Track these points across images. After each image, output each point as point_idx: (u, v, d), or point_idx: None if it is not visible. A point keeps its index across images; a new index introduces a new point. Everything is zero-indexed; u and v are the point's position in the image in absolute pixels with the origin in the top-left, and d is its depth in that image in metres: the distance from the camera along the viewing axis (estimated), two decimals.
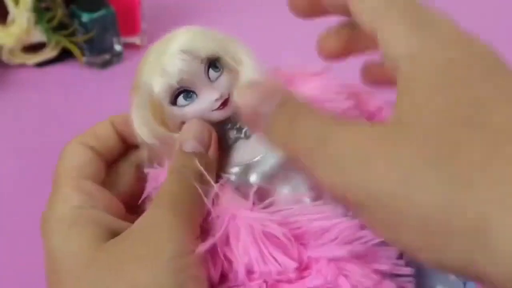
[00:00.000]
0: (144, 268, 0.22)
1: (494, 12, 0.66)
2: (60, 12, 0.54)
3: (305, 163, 0.20)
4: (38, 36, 0.54)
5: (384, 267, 0.26)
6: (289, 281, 0.25)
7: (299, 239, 0.25)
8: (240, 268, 0.24)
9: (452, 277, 0.29)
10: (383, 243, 0.26)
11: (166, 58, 0.29)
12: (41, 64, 0.56)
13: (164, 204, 0.24)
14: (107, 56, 0.55)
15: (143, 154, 0.30)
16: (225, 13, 0.66)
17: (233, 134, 0.29)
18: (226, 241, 0.25)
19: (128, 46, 0.58)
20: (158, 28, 0.62)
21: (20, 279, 0.37)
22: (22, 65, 0.56)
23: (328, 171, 0.19)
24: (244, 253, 0.24)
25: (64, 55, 0.56)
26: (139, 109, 0.29)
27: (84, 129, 0.44)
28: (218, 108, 0.28)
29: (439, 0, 0.63)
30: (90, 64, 0.56)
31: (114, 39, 0.55)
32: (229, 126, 0.30)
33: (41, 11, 0.53)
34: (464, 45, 0.20)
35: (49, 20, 0.54)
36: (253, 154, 0.28)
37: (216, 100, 0.28)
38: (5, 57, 0.55)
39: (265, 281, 0.25)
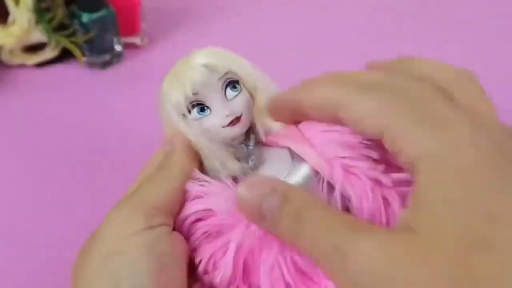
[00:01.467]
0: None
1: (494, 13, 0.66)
2: (60, 13, 0.54)
3: (320, 267, 0.21)
4: (38, 36, 0.54)
5: None
6: None
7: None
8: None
9: None
10: None
11: (186, 70, 0.30)
12: (41, 64, 0.56)
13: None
14: (107, 56, 0.56)
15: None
16: (225, 14, 0.66)
17: (242, 160, 0.30)
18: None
19: (128, 46, 0.58)
20: (158, 28, 0.62)
21: (20, 278, 0.37)
22: (22, 65, 0.56)
23: (347, 284, 0.19)
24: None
25: (64, 56, 0.56)
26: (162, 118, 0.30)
27: (84, 129, 0.44)
28: (228, 125, 0.29)
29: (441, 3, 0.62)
30: (90, 64, 0.56)
31: (114, 39, 0.55)
32: (242, 154, 0.30)
33: (41, 11, 0.53)
34: (479, 145, 0.20)
35: (50, 21, 0.54)
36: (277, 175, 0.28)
37: (227, 116, 0.29)
38: (5, 57, 0.55)
39: None
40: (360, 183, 0.27)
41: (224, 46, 0.62)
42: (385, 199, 0.27)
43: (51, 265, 0.37)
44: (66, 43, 0.55)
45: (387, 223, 0.27)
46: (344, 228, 0.20)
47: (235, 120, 0.29)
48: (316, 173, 0.28)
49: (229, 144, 0.30)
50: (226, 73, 0.30)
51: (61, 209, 0.42)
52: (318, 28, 0.64)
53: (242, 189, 0.23)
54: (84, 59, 0.55)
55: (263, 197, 0.22)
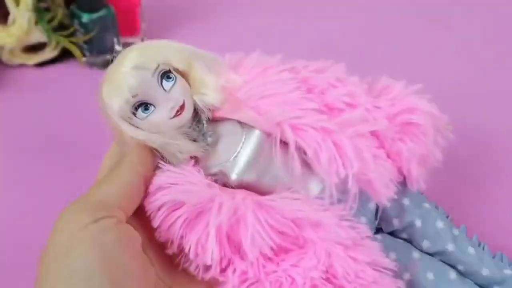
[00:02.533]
0: None
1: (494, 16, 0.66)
2: (60, 13, 0.54)
3: None
4: (38, 36, 0.54)
5: (367, 259, 0.29)
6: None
7: (297, 225, 0.29)
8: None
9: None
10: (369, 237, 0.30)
11: (119, 77, 0.31)
12: (41, 64, 0.56)
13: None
14: (107, 56, 0.56)
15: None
16: (224, 14, 0.66)
17: (200, 140, 0.32)
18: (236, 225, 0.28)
19: (128, 46, 0.58)
20: (157, 28, 0.62)
21: (21, 276, 0.37)
22: (22, 65, 0.56)
23: None
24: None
25: (64, 56, 0.56)
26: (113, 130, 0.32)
27: (84, 129, 0.44)
28: (176, 115, 0.31)
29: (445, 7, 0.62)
30: (90, 64, 0.56)
31: (114, 39, 0.55)
32: (196, 133, 0.32)
33: (41, 11, 0.53)
34: None
35: (50, 21, 0.54)
36: (227, 155, 0.31)
37: (172, 108, 0.31)
38: (6, 57, 0.55)
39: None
40: (310, 136, 0.30)
41: (224, 45, 0.63)
42: (336, 144, 0.30)
43: None
44: (66, 43, 0.55)
45: (344, 166, 0.30)
46: None
47: (180, 109, 0.31)
48: (268, 135, 0.31)
49: (181, 130, 0.31)
50: (157, 68, 0.31)
51: (64, 206, 0.42)
52: (318, 29, 0.64)
53: None
54: (84, 59, 0.55)
55: None
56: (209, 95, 0.32)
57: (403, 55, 0.59)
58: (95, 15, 0.53)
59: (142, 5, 0.58)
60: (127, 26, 0.57)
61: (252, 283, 0.29)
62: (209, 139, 0.32)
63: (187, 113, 0.31)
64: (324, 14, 0.66)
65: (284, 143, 0.31)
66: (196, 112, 0.32)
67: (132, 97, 0.30)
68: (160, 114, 0.31)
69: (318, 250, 0.29)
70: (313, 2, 0.68)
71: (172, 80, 0.31)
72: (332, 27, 0.63)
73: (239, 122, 0.32)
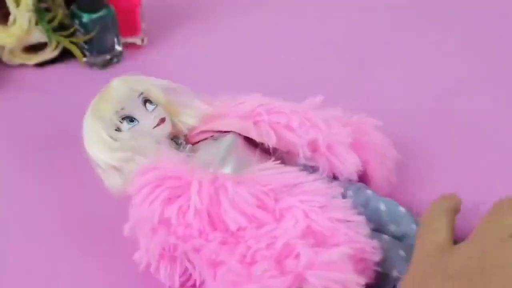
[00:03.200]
0: None
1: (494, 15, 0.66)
2: (60, 13, 0.54)
3: None
4: (38, 36, 0.54)
5: (341, 217, 0.31)
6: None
7: (274, 194, 0.32)
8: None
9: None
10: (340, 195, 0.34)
11: (109, 92, 0.38)
12: (41, 64, 0.56)
13: None
14: (107, 56, 0.56)
15: None
16: (224, 14, 0.66)
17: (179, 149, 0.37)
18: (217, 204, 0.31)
19: (128, 46, 0.58)
20: (158, 29, 0.62)
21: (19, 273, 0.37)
22: (23, 65, 0.56)
23: None
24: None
25: (65, 56, 0.56)
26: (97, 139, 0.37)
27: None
28: (158, 125, 0.37)
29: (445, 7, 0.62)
30: (91, 64, 0.56)
31: (115, 40, 0.55)
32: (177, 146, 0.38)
33: (41, 11, 0.53)
34: None
35: (50, 21, 0.54)
36: (204, 158, 0.36)
37: (154, 117, 0.37)
38: (6, 57, 0.55)
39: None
40: (283, 114, 0.36)
41: (224, 45, 0.63)
42: (305, 117, 0.36)
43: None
44: (66, 43, 0.55)
45: (313, 129, 0.36)
46: None
47: (160, 121, 0.37)
48: (240, 135, 0.36)
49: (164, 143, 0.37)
50: (141, 93, 0.38)
51: (64, 206, 0.42)
52: (317, 29, 0.64)
53: None
54: (84, 59, 0.55)
55: None
56: (186, 118, 0.39)
57: (403, 55, 0.59)
58: (95, 15, 0.53)
59: (142, 5, 0.58)
60: (127, 26, 0.57)
61: (232, 245, 0.31)
62: (187, 150, 0.37)
63: (168, 125, 0.38)
64: (324, 14, 0.66)
65: (254, 143, 0.37)
66: (174, 135, 0.38)
67: (120, 109, 0.37)
68: (144, 124, 0.37)
69: (296, 212, 0.31)
70: (313, 2, 0.68)
71: (154, 105, 0.38)
72: (332, 27, 0.63)
73: (211, 137, 0.37)
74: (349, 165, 0.36)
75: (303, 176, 0.34)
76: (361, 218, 0.32)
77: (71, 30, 0.54)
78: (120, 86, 0.38)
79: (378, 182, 0.38)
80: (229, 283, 0.30)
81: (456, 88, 0.54)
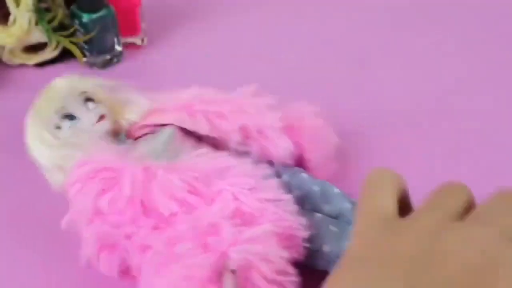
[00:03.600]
0: None
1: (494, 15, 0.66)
2: (60, 13, 0.54)
3: None
4: (38, 36, 0.54)
5: (270, 196, 0.33)
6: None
7: (204, 180, 0.33)
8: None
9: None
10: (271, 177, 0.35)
11: (50, 91, 0.39)
12: (41, 64, 0.56)
13: None
14: (107, 56, 0.56)
15: None
16: (224, 14, 0.66)
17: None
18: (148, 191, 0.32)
19: (128, 46, 0.58)
20: (158, 29, 0.62)
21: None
22: (23, 65, 0.56)
23: None
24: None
25: (65, 56, 0.56)
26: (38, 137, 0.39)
27: None
28: (98, 121, 0.38)
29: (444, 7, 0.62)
30: (91, 64, 0.56)
31: (115, 40, 0.55)
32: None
33: (41, 11, 0.53)
34: None
35: (50, 21, 0.54)
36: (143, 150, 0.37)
37: (95, 114, 0.38)
38: (6, 57, 0.55)
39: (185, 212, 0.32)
40: (216, 103, 0.38)
41: (224, 45, 0.63)
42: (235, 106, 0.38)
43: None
44: (66, 43, 0.55)
45: (243, 116, 0.37)
46: None
47: (101, 118, 0.38)
48: (180, 128, 0.37)
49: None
50: (83, 92, 0.39)
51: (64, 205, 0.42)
52: (317, 29, 0.64)
53: None
54: (84, 59, 0.55)
55: None
56: (129, 114, 0.40)
57: (403, 55, 0.59)
58: (95, 15, 0.53)
59: (142, 5, 0.58)
60: (127, 26, 0.57)
61: (162, 230, 0.32)
62: (128, 144, 0.38)
63: (108, 122, 0.39)
64: (324, 14, 0.66)
65: (190, 133, 0.38)
66: (116, 131, 0.39)
67: (61, 107, 0.38)
68: (84, 122, 0.38)
69: (226, 195, 0.32)
70: (313, 2, 0.68)
71: (95, 103, 0.39)
72: (332, 27, 0.63)
73: (152, 132, 0.38)
74: (281, 149, 0.38)
75: (233, 160, 0.35)
76: (289, 197, 0.33)
77: (71, 30, 0.54)
78: (61, 86, 0.39)
79: (316, 166, 0.40)
80: (156, 265, 0.31)
81: (456, 88, 0.54)
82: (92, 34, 0.53)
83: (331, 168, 0.41)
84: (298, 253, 0.32)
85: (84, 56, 0.55)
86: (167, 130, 0.37)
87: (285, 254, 0.31)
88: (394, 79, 0.55)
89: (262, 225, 0.31)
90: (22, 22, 0.52)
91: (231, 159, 0.35)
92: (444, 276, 0.21)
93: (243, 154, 0.37)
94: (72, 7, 0.54)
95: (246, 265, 0.30)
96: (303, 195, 0.36)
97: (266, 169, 0.35)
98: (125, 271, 0.34)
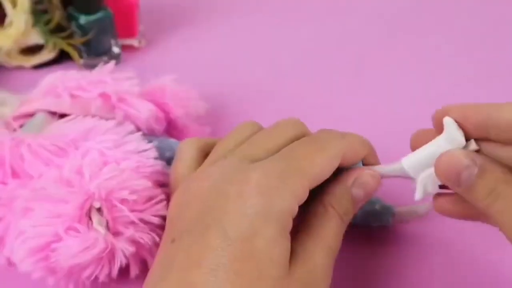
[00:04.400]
0: None
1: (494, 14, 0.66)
2: (57, 15, 0.54)
3: (506, 235, 0.25)
4: (35, 38, 0.54)
5: (132, 147, 0.34)
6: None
7: (74, 142, 0.34)
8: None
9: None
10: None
11: None
12: (38, 66, 0.56)
13: (325, 252, 0.27)
14: (104, 58, 0.55)
15: None
16: (223, 16, 0.66)
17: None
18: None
19: (125, 48, 0.58)
20: (155, 31, 0.62)
21: None
22: (20, 67, 0.56)
23: None
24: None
25: (62, 58, 0.56)
26: None
27: None
28: None
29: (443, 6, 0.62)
30: (88, 66, 0.56)
31: (112, 41, 0.55)
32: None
33: (38, 13, 0.53)
34: None
35: (47, 23, 0.54)
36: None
37: None
38: (3, 59, 0.55)
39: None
40: (62, 95, 0.39)
41: (221, 47, 0.63)
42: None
43: None
44: (63, 45, 0.55)
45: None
46: None
47: None
48: (53, 113, 0.38)
49: None
50: None
51: None
52: (316, 29, 0.63)
53: (447, 156, 0.26)
54: (81, 61, 0.55)
55: (464, 167, 0.25)
56: (2, 110, 0.40)
57: (404, 55, 0.59)
58: (92, 17, 0.53)
59: (140, 7, 0.58)
60: (125, 28, 0.57)
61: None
62: None
63: None
64: (322, 15, 0.66)
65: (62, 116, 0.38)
66: None
67: None
68: None
69: (93, 153, 0.33)
70: (312, 6, 0.68)
71: None
72: (330, 30, 0.63)
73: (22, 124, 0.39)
74: (144, 111, 0.39)
75: (98, 122, 0.36)
76: (151, 145, 0.35)
77: (68, 32, 0.54)
78: None
79: (184, 128, 0.43)
80: (23, 209, 0.31)
81: (454, 91, 0.54)
82: (90, 36, 0.53)
83: (203, 131, 0.44)
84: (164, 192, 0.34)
85: (82, 58, 0.55)
86: (37, 116, 0.38)
87: (149, 184, 0.32)
88: (392, 82, 0.55)
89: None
90: (19, 24, 0.52)
91: (96, 120, 0.36)
92: (189, 216, 0.27)
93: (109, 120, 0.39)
94: (69, 8, 0.53)
95: (111, 198, 0.30)
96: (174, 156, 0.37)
97: (129, 126, 0.37)
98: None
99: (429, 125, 0.49)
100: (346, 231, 0.30)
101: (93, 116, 0.38)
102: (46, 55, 0.55)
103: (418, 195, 0.29)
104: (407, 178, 0.29)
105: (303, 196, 0.27)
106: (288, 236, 0.26)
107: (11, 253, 0.32)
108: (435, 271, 0.36)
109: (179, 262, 0.26)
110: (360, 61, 0.58)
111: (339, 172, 0.30)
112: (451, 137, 0.27)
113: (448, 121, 0.28)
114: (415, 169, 0.29)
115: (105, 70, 0.42)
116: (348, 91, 0.54)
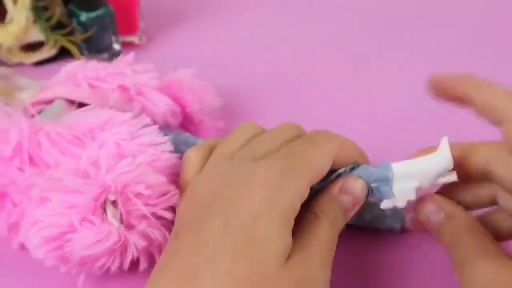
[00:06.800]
0: None
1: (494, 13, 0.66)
2: (58, 11, 0.54)
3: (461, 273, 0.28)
4: (36, 35, 0.54)
5: (148, 140, 0.34)
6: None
7: (88, 134, 0.34)
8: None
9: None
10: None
11: None
12: (39, 63, 0.56)
13: (320, 249, 0.28)
14: (105, 55, 0.55)
15: None
16: (223, 13, 0.66)
17: None
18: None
19: (126, 45, 0.58)
20: (156, 27, 0.62)
21: None
22: (21, 64, 0.56)
23: None
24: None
25: (63, 54, 0.56)
26: None
27: None
28: None
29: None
30: None
31: (113, 38, 0.55)
32: None
33: (39, 10, 0.53)
34: None
35: (48, 19, 0.54)
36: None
37: None
38: (4, 56, 0.55)
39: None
40: (82, 84, 0.39)
41: (222, 44, 0.63)
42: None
43: None
44: (64, 42, 0.55)
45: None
46: (473, 251, 0.28)
47: None
48: (71, 101, 0.39)
49: None
50: None
51: None
52: (315, 29, 0.63)
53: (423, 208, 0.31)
54: (82, 58, 0.55)
55: (431, 213, 0.31)
56: (21, 95, 0.40)
57: (403, 55, 0.59)
58: (93, 14, 0.53)
59: (141, 4, 0.58)
60: (126, 25, 0.57)
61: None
62: None
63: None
64: (323, 13, 0.66)
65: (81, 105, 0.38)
66: None
67: None
68: None
69: (109, 144, 0.33)
70: (312, 2, 0.68)
71: None
72: (330, 26, 0.63)
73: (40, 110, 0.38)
74: (161, 105, 0.40)
75: (115, 113, 0.36)
76: (166, 139, 0.35)
77: (69, 28, 0.54)
78: None
79: (200, 123, 0.43)
80: (39, 198, 0.31)
81: None
82: (90, 32, 0.53)
83: (217, 126, 0.45)
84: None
85: (82, 54, 0.55)
86: (56, 103, 0.38)
87: (164, 179, 0.32)
88: (393, 79, 0.55)
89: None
90: (20, 21, 0.52)
91: (113, 112, 0.36)
92: (194, 214, 0.28)
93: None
94: (70, 5, 0.53)
95: (126, 192, 0.31)
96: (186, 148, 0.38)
97: (145, 119, 0.37)
98: (14, 225, 0.34)
99: (429, 124, 0.49)
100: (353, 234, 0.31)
101: (111, 107, 0.38)
102: (47, 52, 0.55)
103: (385, 204, 0.31)
104: (385, 185, 0.31)
105: (305, 192, 0.28)
106: (290, 232, 0.27)
107: (25, 239, 0.32)
108: (436, 274, 0.36)
109: (181, 253, 0.26)
110: (363, 56, 0.58)
111: (329, 183, 0.32)
112: (443, 157, 0.30)
113: (444, 142, 0.30)
114: (400, 177, 0.30)
115: (124, 62, 0.42)
116: (351, 85, 0.54)
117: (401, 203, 0.31)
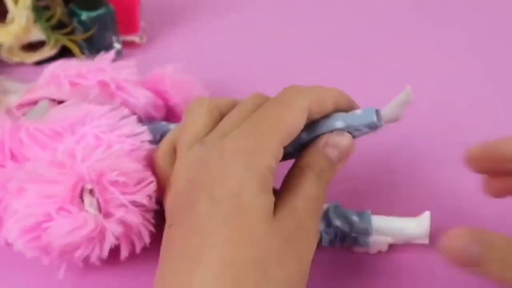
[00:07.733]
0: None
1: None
2: (59, 11, 0.54)
3: None
4: (37, 34, 0.54)
5: (127, 131, 0.35)
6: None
7: (71, 127, 0.35)
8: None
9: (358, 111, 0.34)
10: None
11: None
12: (40, 63, 0.56)
13: (306, 201, 0.29)
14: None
15: None
16: (224, 13, 0.66)
17: None
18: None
19: (127, 44, 0.58)
20: (157, 27, 0.62)
21: None
22: (21, 64, 0.56)
23: None
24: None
25: (64, 54, 0.56)
26: None
27: None
28: None
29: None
30: None
31: (113, 38, 0.55)
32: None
33: (40, 9, 0.53)
34: None
35: (48, 19, 0.54)
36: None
37: None
38: (4, 56, 0.55)
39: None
40: (63, 83, 0.39)
41: (222, 44, 0.63)
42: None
43: None
44: (65, 41, 0.55)
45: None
46: None
47: None
48: (55, 101, 0.39)
49: None
50: None
51: None
52: (315, 28, 0.63)
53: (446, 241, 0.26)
54: (83, 57, 0.55)
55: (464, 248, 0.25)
56: (7, 99, 0.41)
57: (403, 55, 0.59)
58: (94, 13, 0.53)
59: (141, 3, 0.58)
60: (126, 24, 0.57)
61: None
62: None
63: None
64: (323, 14, 0.66)
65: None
66: None
67: None
68: None
69: (88, 137, 0.34)
70: (313, 3, 0.68)
71: None
72: (331, 25, 0.63)
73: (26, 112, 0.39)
74: (142, 98, 0.40)
75: (94, 107, 0.37)
76: (145, 128, 0.36)
77: (70, 28, 0.54)
78: None
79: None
80: (17, 190, 0.31)
81: (456, 88, 0.54)
82: (91, 32, 0.53)
83: None
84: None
85: (83, 54, 0.55)
86: (40, 103, 0.39)
87: (139, 166, 0.33)
88: (394, 79, 0.55)
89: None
90: (21, 20, 0.52)
91: (92, 106, 0.37)
92: (181, 200, 0.29)
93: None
94: (70, 5, 0.53)
95: (102, 181, 0.31)
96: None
97: (124, 110, 0.37)
98: None
99: (429, 122, 0.49)
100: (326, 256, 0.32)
101: (90, 102, 0.38)
102: (48, 52, 0.55)
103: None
104: (364, 237, 0.35)
105: (278, 152, 0.29)
106: (271, 191, 0.28)
107: (7, 233, 0.32)
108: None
109: (179, 238, 0.28)
110: (364, 55, 0.58)
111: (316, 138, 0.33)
112: (422, 226, 0.34)
113: (426, 214, 0.34)
114: (379, 231, 0.35)
115: (105, 59, 0.42)
116: (351, 84, 0.54)
117: (372, 251, 0.35)
